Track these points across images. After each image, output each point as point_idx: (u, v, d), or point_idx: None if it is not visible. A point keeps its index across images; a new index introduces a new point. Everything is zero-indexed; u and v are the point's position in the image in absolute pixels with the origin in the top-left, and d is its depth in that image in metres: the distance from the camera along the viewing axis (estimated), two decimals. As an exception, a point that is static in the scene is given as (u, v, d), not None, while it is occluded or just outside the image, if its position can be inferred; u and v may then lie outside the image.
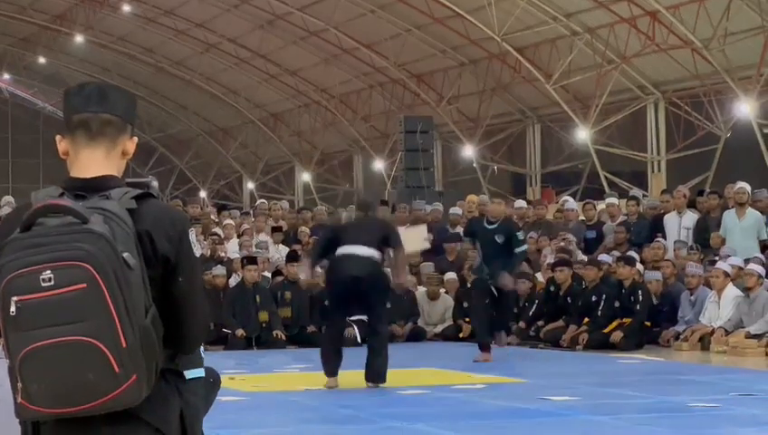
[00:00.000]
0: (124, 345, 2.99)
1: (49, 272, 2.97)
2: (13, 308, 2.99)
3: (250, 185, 44.62)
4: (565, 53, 28.77)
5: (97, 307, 2.97)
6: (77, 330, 2.97)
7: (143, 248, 3.13)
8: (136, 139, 3.36)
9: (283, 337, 17.29)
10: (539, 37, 29.26)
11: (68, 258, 2.98)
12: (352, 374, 11.67)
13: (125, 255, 3.04)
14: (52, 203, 3.11)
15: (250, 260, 17.56)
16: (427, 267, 19.08)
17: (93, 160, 3.26)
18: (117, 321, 2.98)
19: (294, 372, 13.40)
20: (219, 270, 17.64)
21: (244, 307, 17.24)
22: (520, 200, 22.13)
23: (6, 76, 45.49)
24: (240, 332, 17.05)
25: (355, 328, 17.26)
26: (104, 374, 2.98)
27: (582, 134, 29.78)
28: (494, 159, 35.05)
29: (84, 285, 2.97)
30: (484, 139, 34.24)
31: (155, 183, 3.45)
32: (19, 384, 3.04)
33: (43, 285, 2.97)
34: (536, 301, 17.51)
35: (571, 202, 20.85)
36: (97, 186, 3.20)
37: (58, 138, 3.32)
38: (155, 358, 3.09)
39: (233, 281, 17.96)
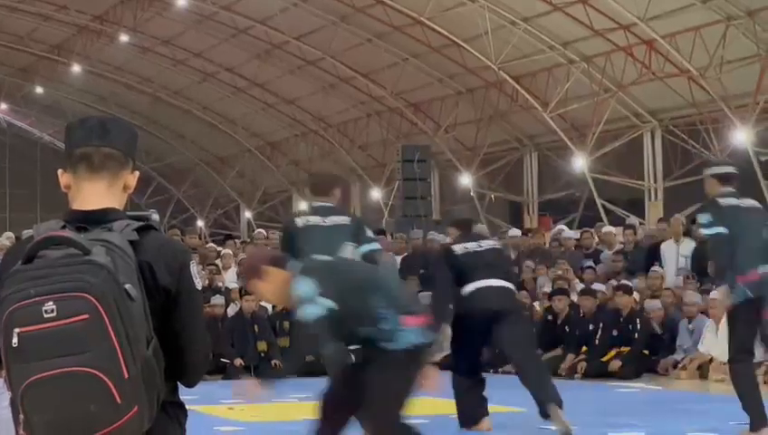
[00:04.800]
0: (126, 376, 2.99)
1: (51, 303, 2.98)
2: (15, 340, 2.99)
3: (248, 214, 44.59)
4: (562, 82, 28.82)
5: (99, 338, 2.98)
6: (79, 361, 2.97)
7: (144, 280, 3.15)
8: (137, 173, 3.38)
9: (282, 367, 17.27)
10: (536, 66, 29.31)
11: (70, 289, 2.99)
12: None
13: (127, 286, 3.05)
14: (54, 235, 3.12)
15: (248, 290, 17.56)
16: (426, 298, 19.00)
17: (95, 193, 3.27)
18: (119, 352, 2.99)
19: (293, 402, 13.38)
20: (218, 299, 17.65)
21: (243, 337, 17.24)
22: (514, 229, 22.13)
23: (4, 106, 45.49)
24: (238, 361, 17.04)
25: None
26: (106, 405, 2.99)
27: (579, 162, 29.79)
28: (492, 188, 35.05)
29: (86, 316, 2.98)
30: (482, 167, 34.26)
31: (155, 216, 3.47)
32: (21, 416, 3.05)
33: (46, 316, 2.98)
34: (534, 329, 17.49)
35: (566, 231, 20.84)
36: (99, 218, 3.22)
37: (60, 171, 3.34)
38: (156, 389, 3.10)
39: (231, 310, 17.96)
